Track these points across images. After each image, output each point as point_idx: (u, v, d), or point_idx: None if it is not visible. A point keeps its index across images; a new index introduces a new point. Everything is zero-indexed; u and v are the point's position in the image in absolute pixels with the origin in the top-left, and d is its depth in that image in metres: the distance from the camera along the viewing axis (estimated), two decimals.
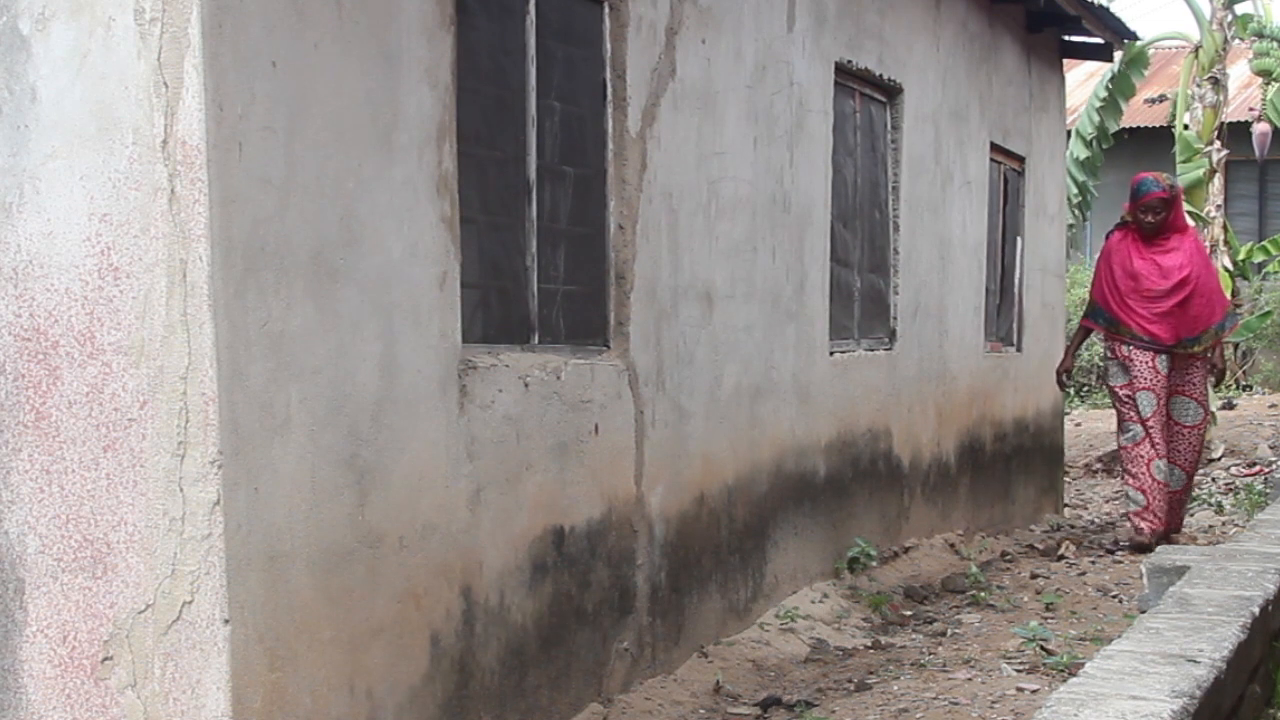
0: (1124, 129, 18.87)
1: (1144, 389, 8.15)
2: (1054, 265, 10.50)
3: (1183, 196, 8.45)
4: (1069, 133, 12.29)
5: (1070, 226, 12.73)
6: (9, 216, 3.50)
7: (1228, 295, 9.48)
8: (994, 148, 9.26)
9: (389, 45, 3.89)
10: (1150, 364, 8.09)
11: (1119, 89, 13.09)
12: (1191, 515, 9.56)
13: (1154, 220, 8.14)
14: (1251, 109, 15.73)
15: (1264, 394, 15.60)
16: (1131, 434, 8.15)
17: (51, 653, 3.50)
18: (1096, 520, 9.78)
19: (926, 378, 8.21)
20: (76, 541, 3.46)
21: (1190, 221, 8.61)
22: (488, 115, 4.51)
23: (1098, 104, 13.09)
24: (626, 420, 5.12)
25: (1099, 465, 11.70)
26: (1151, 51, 13.35)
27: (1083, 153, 13.20)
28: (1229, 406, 13.77)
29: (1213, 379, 8.51)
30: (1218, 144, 13.51)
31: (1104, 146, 13.35)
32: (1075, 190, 13.03)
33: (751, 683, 5.49)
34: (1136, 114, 19.42)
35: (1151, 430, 8.05)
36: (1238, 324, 8.59)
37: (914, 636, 6.30)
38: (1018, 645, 5.72)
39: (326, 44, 3.65)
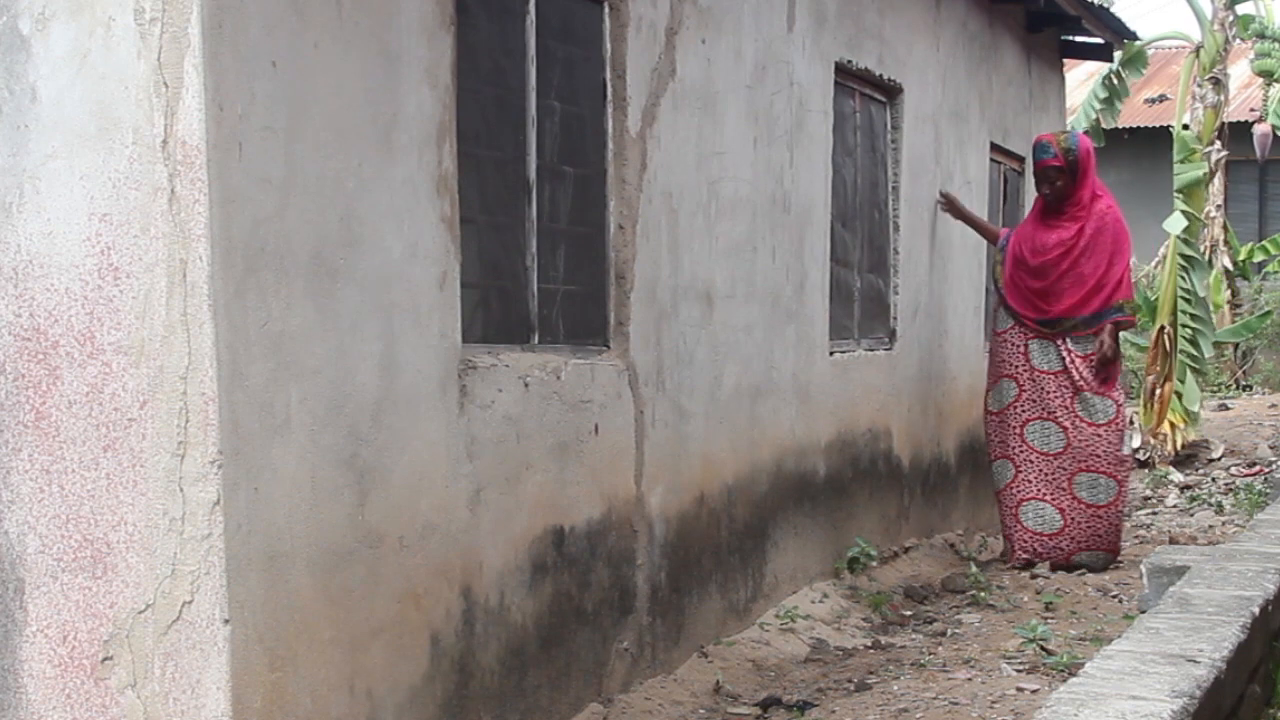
0: (1124, 129, 18.89)
1: (1007, 375, 7.72)
2: None
3: (1089, 160, 7.60)
4: None
5: None
6: (9, 216, 3.50)
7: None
8: (994, 148, 9.27)
9: (389, 45, 3.89)
10: (1021, 347, 7.65)
11: (1116, 89, 13.09)
12: (1191, 515, 9.55)
13: (1050, 192, 7.57)
14: (1253, 110, 15.74)
15: (1264, 394, 15.59)
16: (1000, 465, 7.77)
17: (51, 653, 3.50)
18: None
19: (926, 378, 8.21)
20: (76, 541, 3.46)
21: (1106, 194, 7.76)
22: (488, 115, 4.51)
23: (1096, 104, 13.07)
24: (626, 420, 5.12)
25: None
26: (1151, 51, 13.34)
27: None
28: (1224, 408, 13.77)
29: (1096, 363, 7.55)
30: (1218, 144, 13.50)
31: (1099, 145, 13.28)
32: None
33: (751, 683, 5.49)
34: (1137, 114, 19.42)
35: (1024, 435, 7.65)
36: (1115, 321, 7.57)
37: (914, 636, 6.30)
38: (1018, 645, 5.72)
39: (326, 44, 3.65)
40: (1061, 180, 7.57)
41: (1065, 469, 7.66)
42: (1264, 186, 19.34)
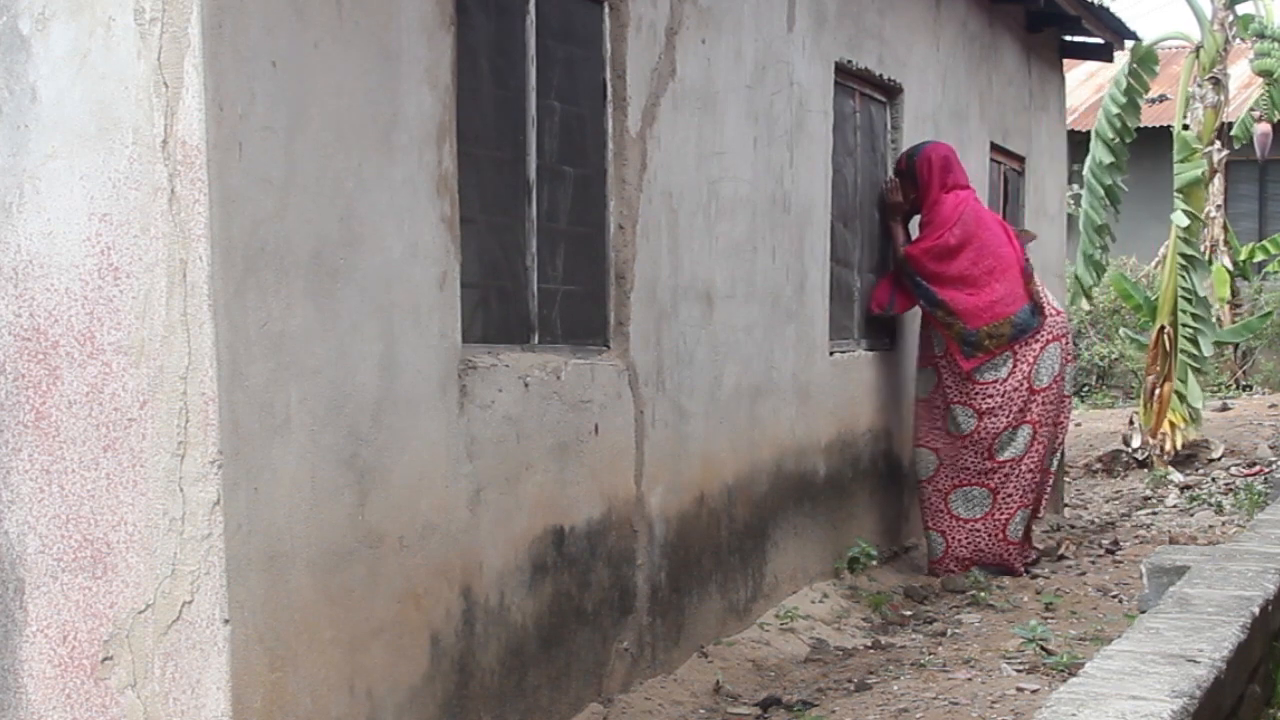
0: None
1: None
2: (1054, 265, 10.50)
3: (928, 168, 7.53)
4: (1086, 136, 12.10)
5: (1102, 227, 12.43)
6: (9, 216, 3.50)
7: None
8: (994, 148, 9.26)
9: (389, 45, 3.89)
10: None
11: (1133, 89, 12.96)
12: (1191, 515, 9.55)
13: (903, 196, 7.56)
14: (1253, 109, 15.72)
15: (1264, 394, 15.59)
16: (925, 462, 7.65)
17: (51, 653, 3.50)
18: (1096, 520, 9.78)
19: None
20: (76, 541, 3.46)
21: (951, 194, 7.57)
22: (488, 115, 4.51)
23: (1114, 109, 12.89)
24: (626, 420, 5.12)
25: (1099, 465, 11.70)
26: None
27: (1106, 157, 12.71)
28: (1224, 408, 13.77)
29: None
30: (1218, 144, 13.48)
31: (1127, 141, 13.00)
32: (1102, 193, 12.65)
33: (751, 683, 5.49)
34: None
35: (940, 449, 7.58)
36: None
37: (914, 636, 6.30)
38: (1018, 645, 5.72)
39: (326, 44, 3.65)
40: (906, 186, 7.60)
41: (939, 488, 7.62)
42: (1263, 186, 19.33)
